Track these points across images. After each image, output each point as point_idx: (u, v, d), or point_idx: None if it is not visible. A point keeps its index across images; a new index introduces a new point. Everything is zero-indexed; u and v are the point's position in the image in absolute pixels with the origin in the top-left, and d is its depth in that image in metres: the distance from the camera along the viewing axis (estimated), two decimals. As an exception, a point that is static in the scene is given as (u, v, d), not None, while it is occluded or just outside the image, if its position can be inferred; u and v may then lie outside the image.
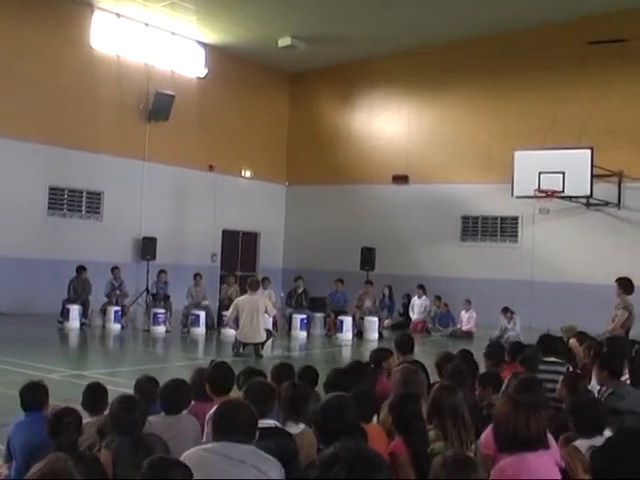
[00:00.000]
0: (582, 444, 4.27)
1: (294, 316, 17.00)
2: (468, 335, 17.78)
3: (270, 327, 14.32)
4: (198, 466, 3.40)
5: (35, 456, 3.64)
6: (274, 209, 24.76)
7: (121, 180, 20.32)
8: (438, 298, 19.46)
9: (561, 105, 19.37)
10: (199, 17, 20.40)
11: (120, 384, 8.59)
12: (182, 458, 3.54)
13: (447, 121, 22.12)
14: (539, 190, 17.67)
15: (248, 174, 23.89)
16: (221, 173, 22.76)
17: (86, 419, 4.63)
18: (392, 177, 22.85)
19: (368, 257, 20.29)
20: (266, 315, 13.65)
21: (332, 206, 23.64)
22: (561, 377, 5.98)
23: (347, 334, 16.84)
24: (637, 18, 18.64)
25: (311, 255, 23.31)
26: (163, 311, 16.49)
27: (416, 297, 19.73)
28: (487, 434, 4.15)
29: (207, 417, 4.62)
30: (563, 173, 17.45)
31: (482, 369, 6.96)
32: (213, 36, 22.00)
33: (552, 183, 17.54)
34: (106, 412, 4.68)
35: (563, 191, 17.58)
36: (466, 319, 18.32)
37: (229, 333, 14.75)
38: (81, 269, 16.95)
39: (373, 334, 16.98)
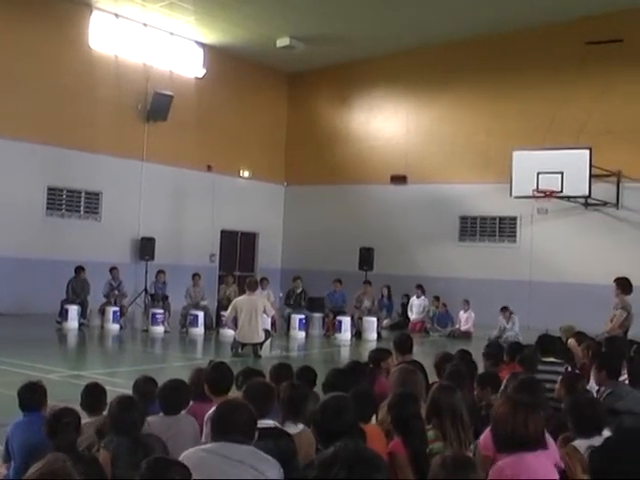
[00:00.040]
0: (581, 444, 4.27)
1: (293, 316, 17.00)
2: (466, 335, 17.79)
3: (269, 327, 14.32)
4: (197, 466, 3.40)
5: (34, 456, 3.63)
6: (272, 209, 24.76)
7: (119, 180, 20.31)
8: (437, 298, 19.46)
9: (560, 105, 19.39)
10: (197, 17, 20.39)
11: (119, 384, 8.59)
12: (181, 458, 3.54)
13: (446, 121, 22.13)
14: (538, 190, 17.68)
15: (246, 174, 23.88)
16: (219, 173, 22.75)
17: (85, 419, 4.63)
18: (390, 177, 22.86)
19: (367, 257, 20.30)
20: (265, 315, 13.65)
21: (331, 206, 23.64)
22: (560, 377, 5.98)
23: (346, 334, 16.84)
24: (636, 18, 18.66)
25: (310, 255, 23.30)
26: (162, 311, 16.48)
27: (415, 297, 19.74)
28: (486, 435, 4.15)
29: (206, 417, 4.61)
30: (562, 173, 17.45)
31: (481, 369, 6.96)
32: (211, 36, 21.99)
33: (551, 183, 17.55)
34: (105, 412, 4.68)
35: (562, 191, 17.58)
36: (464, 319, 18.34)
37: (228, 333, 14.74)
38: (80, 269, 16.95)
39: (372, 334, 16.98)
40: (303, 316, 17.08)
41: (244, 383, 4.97)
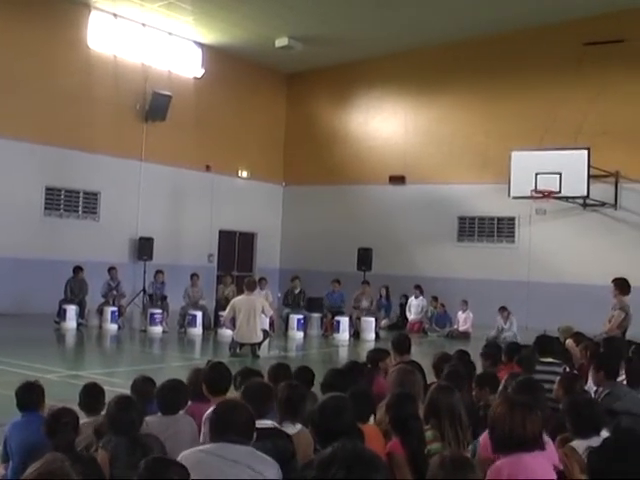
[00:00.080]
0: (579, 445, 4.27)
1: (291, 316, 16.99)
2: (465, 335, 17.80)
3: (267, 327, 14.31)
4: (195, 466, 3.40)
5: (32, 456, 3.64)
6: (271, 209, 24.76)
7: (118, 180, 20.30)
8: (435, 298, 19.46)
9: (558, 106, 19.43)
10: (196, 17, 20.39)
11: (117, 384, 8.59)
12: (179, 458, 3.54)
13: (444, 121, 22.14)
14: (536, 191, 17.69)
15: (245, 174, 23.88)
16: (218, 173, 22.75)
17: (83, 419, 4.63)
18: (389, 177, 22.87)
19: (365, 257, 20.29)
20: (263, 315, 13.65)
21: (329, 206, 23.65)
22: (558, 378, 5.98)
23: (344, 334, 16.83)
24: (634, 19, 18.69)
25: (308, 255, 23.30)
26: (160, 311, 16.47)
27: (413, 297, 19.74)
28: (486, 435, 4.15)
29: (204, 417, 4.61)
30: (560, 174, 17.47)
31: (479, 369, 6.97)
32: (210, 36, 21.99)
33: (549, 184, 17.57)
34: (103, 412, 4.68)
35: (560, 192, 17.60)
36: (463, 319, 18.35)
37: (226, 333, 14.75)
38: (78, 269, 16.93)
39: (370, 334, 16.98)
40: (301, 316, 17.07)
41: (242, 383, 4.97)
